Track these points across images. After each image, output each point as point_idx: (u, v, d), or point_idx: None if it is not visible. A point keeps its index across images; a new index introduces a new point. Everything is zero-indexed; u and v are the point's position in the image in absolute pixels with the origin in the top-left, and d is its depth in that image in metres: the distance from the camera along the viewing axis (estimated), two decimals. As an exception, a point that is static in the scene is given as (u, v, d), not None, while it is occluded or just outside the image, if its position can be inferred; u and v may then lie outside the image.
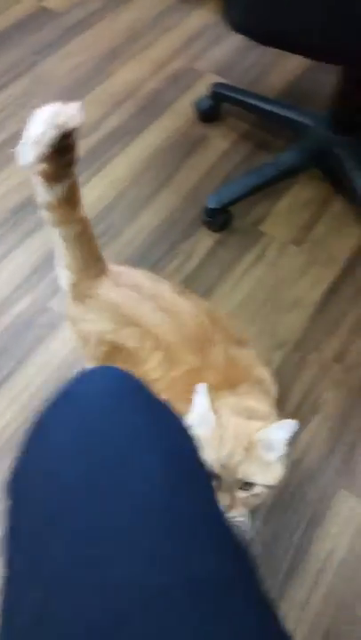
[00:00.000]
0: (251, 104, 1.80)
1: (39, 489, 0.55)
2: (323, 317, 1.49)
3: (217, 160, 1.79)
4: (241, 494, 0.84)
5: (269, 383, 1.03)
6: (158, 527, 0.51)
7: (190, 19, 2.20)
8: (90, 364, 1.10)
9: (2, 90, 1.95)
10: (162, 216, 1.67)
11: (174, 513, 0.53)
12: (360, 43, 1.16)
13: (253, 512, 0.88)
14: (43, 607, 0.48)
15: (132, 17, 2.19)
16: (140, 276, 1.08)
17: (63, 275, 1.06)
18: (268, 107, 1.77)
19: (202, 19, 2.19)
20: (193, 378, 0.90)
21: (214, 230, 1.63)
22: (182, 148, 1.81)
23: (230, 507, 0.83)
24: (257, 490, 0.84)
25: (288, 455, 0.91)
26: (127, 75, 2.01)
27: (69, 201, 0.95)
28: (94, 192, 1.70)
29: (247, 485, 0.84)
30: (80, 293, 1.04)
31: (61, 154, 0.86)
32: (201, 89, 1.94)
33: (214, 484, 0.82)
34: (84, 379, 0.63)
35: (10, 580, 0.51)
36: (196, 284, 1.53)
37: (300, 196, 1.71)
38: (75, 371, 1.06)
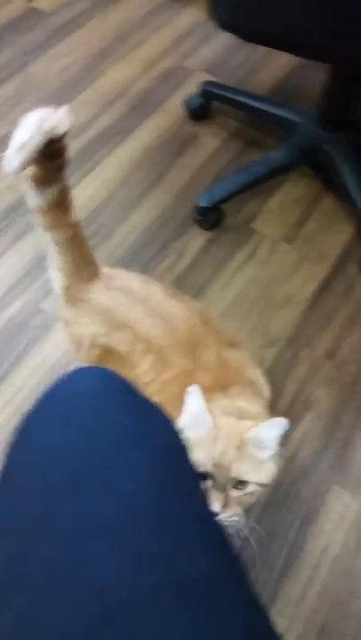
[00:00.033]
0: (241, 102, 1.79)
1: (24, 489, 0.55)
2: (314, 314, 1.48)
3: (208, 158, 1.78)
4: (235, 493, 0.83)
5: (262, 385, 1.02)
6: (146, 526, 0.51)
7: (180, 17, 2.19)
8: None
9: (-8, 91, 1.94)
10: (153, 215, 1.66)
11: (162, 512, 0.52)
12: (347, 40, 1.15)
13: (247, 511, 0.87)
14: (28, 609, 0.47)
15: (121, 16, 2.18)
16: (131, 279, 1.08)
17: (55, 277, 1.05)
18: (257, 104, 1.76)
19: (191, 17, 2.18)
20: (184, 380, 0.90)
21: (206, 229, 1.62)
22: (173, 147, 1.80)
23: (224, 506, 0.82)
24: (250, 488, 0.84)
25: (281, 453, 0.90)
26: (117, 74, 2.00)
27: (60, 205, 0.94)
28: (85, 192, 1.69)
29: (241, 484, 0.83)
30: (72, 297, 1.04)
31: (51, 159, 0.85)
32: (191, 87, 1.93)
33: (208, 483, 0.82)
34: (70, 379, 0.63)
35: None
36: (188, 282, 1.53)
37: (290, 193, 1.71)
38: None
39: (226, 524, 0.83)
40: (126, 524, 0.50)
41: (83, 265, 1.03)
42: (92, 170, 1.75)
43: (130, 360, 0.98)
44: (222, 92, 1.82)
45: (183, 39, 2.11)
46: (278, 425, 0.83)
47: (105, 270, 1.06)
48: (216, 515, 0.81)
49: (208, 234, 1.62)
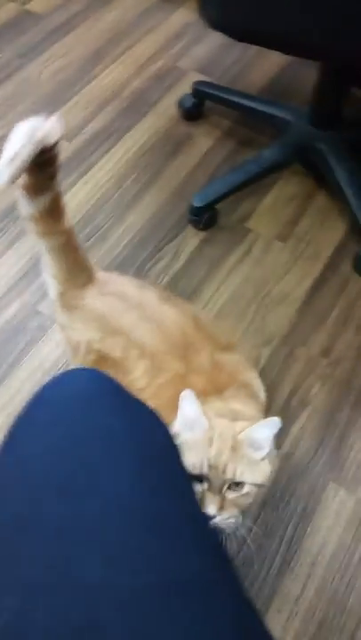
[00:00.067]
0: (233, 101, 1.78)
1: (12, 492, 0.55)
2: (309, 312, 1.48)
3: (202, 158, 1.77)
4: (231, 495, 0.82)
5: (257, 387, 1.01)
6: (134, 527, 0.50)
7: (172, 17, 2.17)
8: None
9: (-13, 94, 1.93)
10: (148, 216, 1.65)
11: (151, 513, 0.52)
12: (335, 38, 1.14)
13: (244, 512, 0.86)
14: (19, 610, 0.46)
15: (114, 18, 2.16)
16: (125, 284, 1.07)
17: (50, 284, 1.04)
18: (249, 103, 1.75)
19: (184, 17, 2.16)
20: (179, 384, 0.89)
21: (200, 229, 1.61)
22: (167, 147, 1.79)
23: (221, 508, 0.81)
24: (246, 489, 0.83)
25: (276, 453, 0.90)
26: (111, 75, 1.98)
27: (52, 213, 0.93)
28: (80, 194, 1.68)
29: (236, 485, 0.83)
30: (67, 303, 1.03)
31: (42, 167, 0.84)
32: (184, 87, 1.91)
33: (204, 486, 0.82)
34: (58, 381, 0.63)
35: None
36: (183, 282, 1.52)
37: (284, 191, 1.70)
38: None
39: (222, 526, 0.82)
40: (114, 525, 0.50)
41: (77, 271, 1.02)
42: (86, 171, 1.74)
43: (124, 366, 0.98)
44: (214, 92, 1.81)
45: (176, 39, 2.10)
46: (272, 424, 0.82)
47: (99, 275, 1.05)
48: (212, 517, 0.80)
49: (203, 234, 1.61)
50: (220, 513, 0.81)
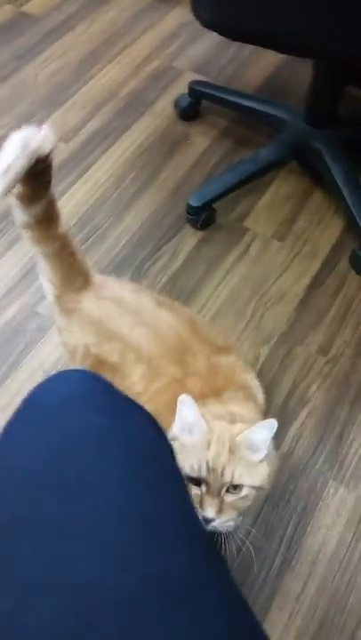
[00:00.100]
0: (229, 100, 1.76)
1: (5, 493, 0.54)
2: (307, 310, 1.46)
3: (198, 157, 1.75)
4: (229, 498, 0.82)
5: (255, 388, 1.00)
6: (127, 525, 0.50)
7: (168, 17, 2.15)
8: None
9: (-16, 97, 1.91)
10: (146, 216, 1.63)
11: (144, 511, 0.51)
12: (329, 36, 1.13)
13: (243, 515, 0.86)
14: (14, 610, 0.46)
15: (110, 18, 2.14)
16: (121, 289, 1.06)
17: (47, 288, 1.03)
18: (245, 102, 1.74)
19: (179, 17, 2.14)
20: (176, 388, 0.89)
21: (198, 228, 1.60)
22: (164, 147, 1.78)
23: (219, 511, 0.81)
24: (245, 492, 0.82)
25: (275, 455, 0.89)
26: (108, 76, 1.97)
27: (47, 220, 0.92)
28: (79, 194, 1.67)
29: (235, 488, 0.82)
30: (64, 306, 1.02)
31: (36, 177, 0.83)
32: (181, 87, 1.90)
33: (202, 489, 0.81)
34: (50, 383, 0.62)
35: None
36: (181, 282, 1.50)
37: (281, 190, 1.68)
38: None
39: (221, 529, 0.81)
40: (107, 524, 0.49)
41: (73, 275, 1.00)
42: (84, 172, 1.72)
43: (122, 370, 0.97)
44: (210, 91, 1.80)
45: (172, 39, 2.08)
46: (269, 426, 0.81)
47: (96, 279, 1.04)
48: (211, 520, 0.79)
49: (201, 233, 1.60)
50: (219, 516, 0.80)
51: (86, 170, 1.73)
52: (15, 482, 0.54)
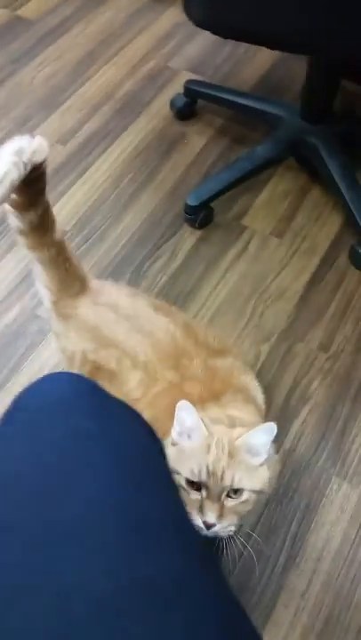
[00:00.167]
0: (224, 99, 1.74)
1: None
2: (307, 307, 1.44)
3: (195, 157, 1.72)
4: (230, 502, 0.80)
5: (254, 390, 0.98)
6: (113, 528, 0.48)
7: (163, 17, 2.12)
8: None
9: (-19, 101, 1.89)
10: (145, 215, 1.61)
11: (131, 513, 0.50)
12: (321, 32, 1.11)
13: (243, 519, 0.83)
14: None
15: (105, 20, 2.11)
16: (118, 293, 1.05)
17: (43, 293, 1.02)
18: (241, 100, 1.71)
19: (174, 17, 2.11)
20: (174, 393, 0.87)
21: (196, 227, 1.57)
22: (161, 147, 1.75)
23: (220, 516, 0.78)
24: (245, 496, 0.80)
25: (276, 458, 0.87)
26: (104, 78, 1.94)
27: (42, 227, 0.91)
28: (76, 196, 1.64)
29: (235, 492, 0.80)
30: (61, 312, 1.00)
31: (30, 184, 0.82)
32: (177, 87, 1.87)
33: (203, 493, 0.79)
34: (37, 386, 0.61)
35: None
36: (181, 282, 1.48)
37: (278, 187, 1.66)
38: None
39: (222, 534, 0.79)
40: (94, 529, 0.48)
41: (69, 281, 0.99)
42: (82, 174, 1.70)
43: (119, 377, 0.95)
44: (206, 90, 1.77)
45: (167, 39, 2.05)
46: (268, 430, 0.79)
47: (93, 284, 1.02)
48: (212, 525, 0.77)
49: (199, 232, 1.57)
50: (220, 521, 0.78)
51: (84, 171, 1.70)
52: (0, 487, 0.53)
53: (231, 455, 0.79)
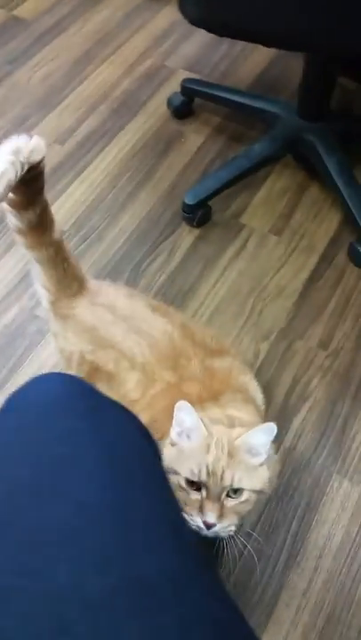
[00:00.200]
0: (221, 97, 1.73)
1: None
2: (306, 304, 1.43)
3: (193, 155, 1.71)
4: (230, 502, 0.79)
5: (252, 390, 0.97)
6: (105, 528, 0.48)
7: (159, 16, 2.11)
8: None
9: (-22, 102, 1.87)
10: (143, 215, 1.60)
11: (123, 513, 0.49)
12: (314, 29, 1.10)
13: (243, 519, 0.83)
14: None
15: (101, 19, 2.10)
16: (116, 294, 1.04)
17: (41, 293, 1.01)
18: (237, 99, 1.70)
19: (171, 15, 2.09)
20: (172, 394, 0.86)
21: (194, 226, 1.56)
22: (159, 146, 1.74)
23: (220, 516, 0.78)
24: (245, 496, 0.79)
25: (276, 459, 0.86)
26: (101, 77, 1.93)
27: (40, 226, 0.90)
28: (74, 196, 1.63)
29: (235, 492, 0.79)
30: (59, 312, 0.99)
31: (29, 184, 0.81)
32: (174, 86, 1.86)
33: (203, 493, 0.78)
34: (29, 387, 0.60)
35: None
36: (179, 280, 1.47)
37: (276, 185, 1.64)
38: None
39: (222, 534, 0.78)
40: (85, 529, 0.47)
41: (67, 281, 0.98)
42: (80, 173, 1.69)
43: (117, 378, 0.94)
44: (203, 89, 1.76)
45: (164, 38, 2.04)
46: (268, 430, 0.78)
47: (90, 285, 1.01)
48: (212, 525, 0.76)
49: (197, 231, 1.56)
50: (220, 521, 0.77)
51: (82, 171, 1.69)
52: None
53: (231, 455, 0.78)
